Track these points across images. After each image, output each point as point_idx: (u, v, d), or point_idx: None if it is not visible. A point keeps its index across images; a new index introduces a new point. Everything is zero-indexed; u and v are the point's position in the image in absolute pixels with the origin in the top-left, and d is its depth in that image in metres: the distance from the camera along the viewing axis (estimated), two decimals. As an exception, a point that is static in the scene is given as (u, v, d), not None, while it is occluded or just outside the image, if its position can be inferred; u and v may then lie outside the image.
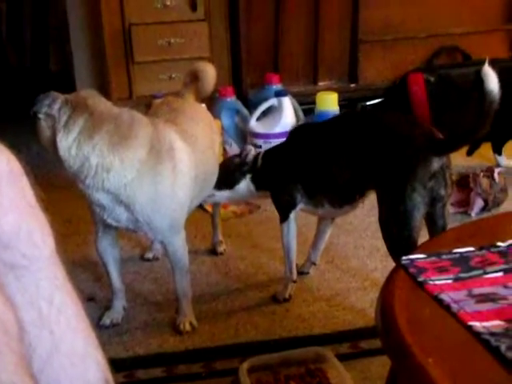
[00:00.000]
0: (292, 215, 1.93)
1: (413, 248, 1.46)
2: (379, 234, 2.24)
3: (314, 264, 2.12)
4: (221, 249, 2.28)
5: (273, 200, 1.98)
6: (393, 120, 1.70)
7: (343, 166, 1.74)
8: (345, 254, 2.23)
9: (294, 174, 1.89)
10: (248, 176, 2.02)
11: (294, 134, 1.99)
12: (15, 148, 0.95)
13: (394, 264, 2.12)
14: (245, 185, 2.03)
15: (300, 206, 1.92)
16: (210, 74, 2.04)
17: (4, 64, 4.22)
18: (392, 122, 1.68)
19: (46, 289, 0.90)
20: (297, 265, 2.03)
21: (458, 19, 3.47)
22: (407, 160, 1.58)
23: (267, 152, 2.04)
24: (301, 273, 2.08)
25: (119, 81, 3.22)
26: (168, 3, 3.13)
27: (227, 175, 2.03)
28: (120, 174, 1.63)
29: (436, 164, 1.58)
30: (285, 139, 2.03)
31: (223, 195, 2.08)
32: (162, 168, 1.70)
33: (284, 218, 1.95)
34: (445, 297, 0.89)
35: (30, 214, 0.89)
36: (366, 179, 1.71)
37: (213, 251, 2.28)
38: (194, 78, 2.04)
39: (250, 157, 2.02)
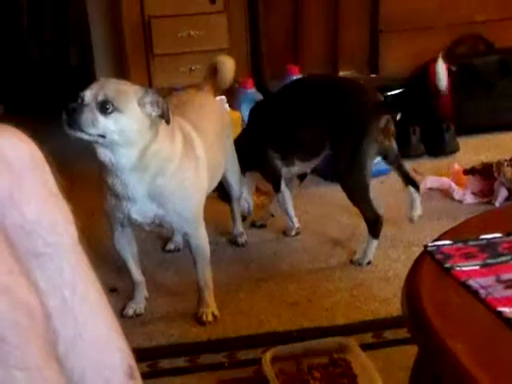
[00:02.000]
0: (283, 184, 2.24)
1: (367, 190, 2.00)
2: (402, 225, 2.25)
3: (272, 216, 2.42)
4: (242, 240, 2.28)
5: (263, 176, 2.28)
6: (344, 86, 2.08)
7: (307, 127, 2.08)
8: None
9: (268, 144, 2.16)
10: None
11: (256, 110, 2.31)
12: (37, 139, 0.95)
13: (417, 254, 2.11)
14: None
15: (283, 172, 2.21)
16: (228, 66, 2.08)
17: (25, 58, 4.24)
18: (344, 89, 2.06)
19: (69, 276, 0.90)
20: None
21: (479, 7, 3.42)
22: (361, 121, 1.97)
23: (238, 138, 2.27)
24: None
25: (139, 74, 3.21)
26: (187, -5, 3.12)
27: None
28: (173, 164, 1.68)
29: (383, 121, 1.97)
30: (248, 119, 2.35)
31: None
32: (188, 157, 1.72)
33: (277, 188, 2.24)
34: (473, 283, 0.87)
35: (52, 202, 0.89)
36: (326, 136, 2.05)
37: (234, 243, 2.28)
38: (214, 70, 2.06)
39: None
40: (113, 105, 1.54)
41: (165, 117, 1.62)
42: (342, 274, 2.04)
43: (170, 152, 1.67)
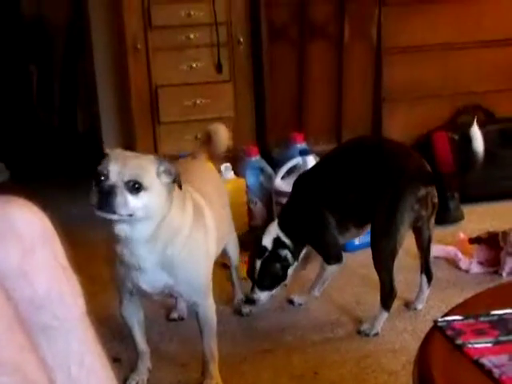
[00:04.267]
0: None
1: (393, 259, 2.01)
2: (408, 294, 2.23)
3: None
4: (246, 310, 2.24)
5: (318, 248, 2.19)
6: (391, 151, 2.10)
7: (359, 191, 2.07)
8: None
9: (325, 211, 2.11)
10: (292, 265, 2.16)
11: (303, 181, 2.26)
12: (41, 205, 0.95)
13: (424, 325, 2.08)
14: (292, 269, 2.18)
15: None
16: (221, 134, 2.11)
17: (34, 126, 4.31)
18: (391, 153, 2.08)
19: (76, 350, 0.89)
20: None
21: (480, 78, 3.49)
22: (400, 187, 1.99)
23: (285, 222, 2.17)
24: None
25: (145, 140, 3.26)
26: (194, 65, 3.19)
27: (277, 278, 2.16)
28: (184, 234, 1.66)
29: (423, 191, 1.99)
30: (292, 193, 2.27)
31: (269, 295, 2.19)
32: (198, 226, 1.72)
33: (338, 257, 2.17)
34: (486, 361, 0.86)
35: (61, 275, 0.89)
36: (374, 200, 2.04)
37: (239, 312, 2.25)
38: (208, 138, 2.10)
39: (285, 253, 2.13)
40: (140, 184, 1.52)
41: (177, 182, 1.61)
42: (349, 345, 2.01)
43: (181, 221, 1.66)
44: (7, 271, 0.89)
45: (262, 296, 2.15)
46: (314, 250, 2.22)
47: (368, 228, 2.12)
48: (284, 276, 2.16)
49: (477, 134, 1.89)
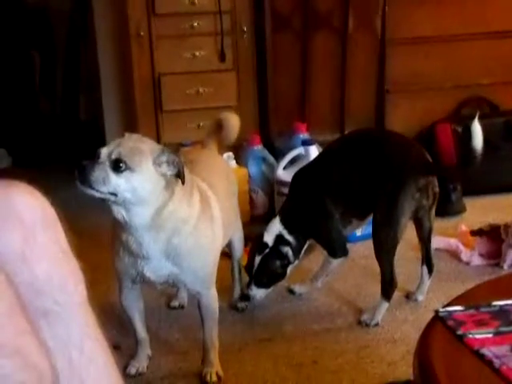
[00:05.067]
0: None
1: (393, 249, 2.00)
2: (409, 285, 2.23)
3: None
4: (242, 305, 2.20)
5: (323, 242, 2.19)
6: (393, 142, 2.10)
7: (361, 183, 2.07)
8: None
9: (329, 203, 2.10)
10: (292, 263, 2.14)
11: (300, 178, 2.23)
12: (44, 192, 0.95)
13: (424, 316, 2.08)
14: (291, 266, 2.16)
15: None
16: (233, 122, 2.10)
17: (36, 113, 4.30)
18: (392, 144, 2.08)
19: (77, 336, 0.89)
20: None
21: (484, 70, 3.47)
22: (401, 177, 1.99)
23: (287, 218, 2.14)
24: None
25: (147, 129, 3.24)
26: (197, 54, 3.18)
27: (276, 276, 2.15)
28: (190, 224, 1.66)
29: (423, 180, 1.99)
30: (292, 189, 2.24)
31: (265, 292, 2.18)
32: (205, 216, 1.72)
33: (344, 250, 2.17)
34: (486, 351, 0.86)
35: (63, 260, 0.89)
36: (375, 191, 2.04)
37: (234, 307, 2.21)
38: (219, 127, 2.08)
39: (287, 250, 2.12)
40: (126, 163, 1.54)
41: (180, 177, 1.61)
42: (349, 335, 2.01)
43: (187, 212, 1.66)
44: (8, 255, 0.89)
45: (258, 293, 2.14)
46: (319, 244, 2.22)
47: (369, 219, 2.11)
48: (283, 274, 2.14)
49: (477, 130, 1.89)
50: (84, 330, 0.95)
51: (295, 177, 2.26)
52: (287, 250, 2.11)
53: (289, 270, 2.15)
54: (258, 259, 2.11)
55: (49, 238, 0.92)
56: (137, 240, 1.63)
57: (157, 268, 1.69)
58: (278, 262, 2.12)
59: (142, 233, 1.62)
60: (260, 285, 2.13)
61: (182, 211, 1.65)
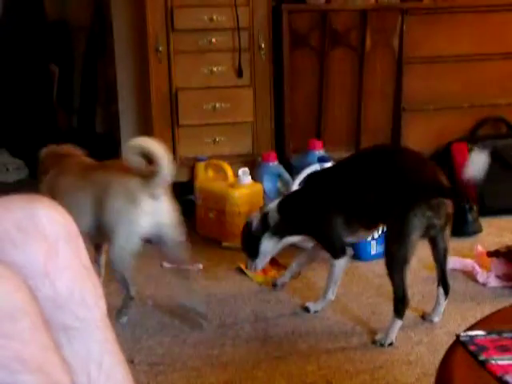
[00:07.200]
0: (348, 250, 2.24)
1: (405, 266, 2.00)
2: (424, 306, 2.22)
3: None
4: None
5: (321, 241, 2.24)
6: (407, 159, 2.11)
7: (372, 196, 2.09)
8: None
9: (333, 208, 2.16)
10: (266, 234, 2.27)
11: (316, 177, 2.40)
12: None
13: (440, 337, 2.06)
14: (267, 243, 2.28)
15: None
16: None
17: (53, 125, 4.33)
18: (406, 161, 2.10)
19: (96, 352, 0.88)
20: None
21: (502, 90, 3.47)
22: (413, 194, 1.99)
23: (286, 203, 2.30)
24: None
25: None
26: (215, 69, 3.19)
27: (252, 246, 2.31)
28: None
29: (435, 200, 1.99)
30: (304, 185, 2.45)
31: (261, 261, 2.34)
32: None
33: (341, 251, 2.20)
34: (510, 378, 0.84)
35: (83, 275, 0.89)
36: (385, 205, 2.06)
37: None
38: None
39: (256, 221, 2.29)
40: None
41: None
42: (363, 355, 1.99)
43: None
44: (31, 269, 0.89)
45: (255, 264, 2.32)
46: (317, 242, 2.27)
47: (377, 229, 2.25)
48: (257, 245, 2.28)
49: (475, 160, 1.90)
50: (103, 346, 0.95)
51: (308, 176, 2.46)
52: (252, 221, 2.31)
53: (265, 243, 2.27)
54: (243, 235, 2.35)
55: (71, 253, 0.92)
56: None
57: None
58: (251, 235, 2.29)
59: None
60: (252, 256, 2.32)
61: None
